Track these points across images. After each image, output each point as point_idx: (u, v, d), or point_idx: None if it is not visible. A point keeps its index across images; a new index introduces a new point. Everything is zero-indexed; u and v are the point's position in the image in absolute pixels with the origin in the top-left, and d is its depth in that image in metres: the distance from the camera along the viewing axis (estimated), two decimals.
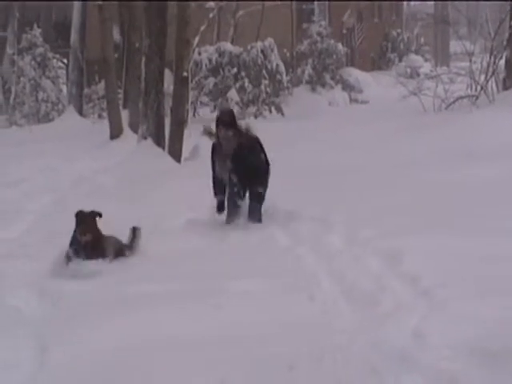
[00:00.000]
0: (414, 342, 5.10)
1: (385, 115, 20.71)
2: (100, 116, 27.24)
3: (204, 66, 25.68)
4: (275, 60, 26.34)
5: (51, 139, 21.11)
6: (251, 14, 29.00)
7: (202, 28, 26.94)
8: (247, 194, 9.49)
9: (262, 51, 26.12)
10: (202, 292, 6.61)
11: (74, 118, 25.49)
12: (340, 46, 31.59)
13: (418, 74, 33.20)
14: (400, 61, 41.86)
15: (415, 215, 8.64)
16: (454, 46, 41.70)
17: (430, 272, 6.38)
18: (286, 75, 27.34)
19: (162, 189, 12.18)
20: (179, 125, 16.50)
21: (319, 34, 30.95)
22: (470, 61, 21.42)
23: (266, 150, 9.49)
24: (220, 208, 9.52)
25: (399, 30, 45.15)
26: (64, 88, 29.92)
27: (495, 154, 12.60)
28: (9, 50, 30.73)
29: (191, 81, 22.59)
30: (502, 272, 6.32)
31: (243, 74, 25.84)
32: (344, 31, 38.04)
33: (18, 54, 28.88)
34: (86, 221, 7.73)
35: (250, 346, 5.40)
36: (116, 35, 25.83)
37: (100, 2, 20.50)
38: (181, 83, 16.72)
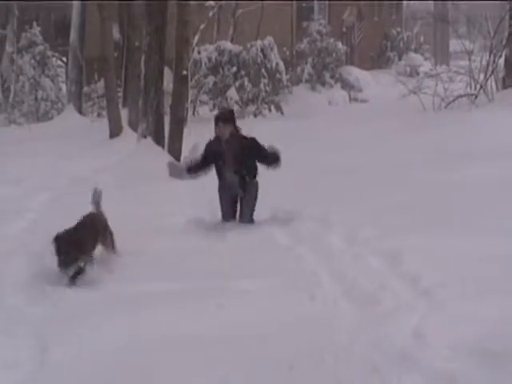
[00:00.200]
0: (414, 342, 5.13)
1: (384, 114, 20.69)
2: (99, 115, 27.20)
3: (203, 65, 25.65)
4: (275, 59, 26.32)
5: (51, 138, 21.07)
6: (251, 13, 28.98)
7: (202, 26, 26.92)
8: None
9: (262, 50, 26.10)
10: (203, 292, 6.60)
11: (74, 116, 25.44)
12: (340, 44, 31.59)
13: (418, 73, 33.18)
14: (400, 59, 41.84)
15: (414, 215, 8.66)
16: (454, 44, 41.61)
17: (430, 272, 6.40)
18: (286, 74, 27.31)
19: (162, 188, 12.17)
20: (179, 123, 16.48)
21: (319, 32, 30.94)
22: (470, 59, 21.39)
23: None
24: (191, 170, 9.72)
25: (399, 29, 45.14)
26: (63, 86, 29.88)
27: (494, 154, 12.59)
28: (8, 49, 30.67)
29: (191, 79, 22.59)
30: (501, 272, 6.34)
31: (243, 72, 25.82)
32: (344, 30, 38.00)
33: (18, 52, 28.87)
34: (67, 251, 7.16)
35: (250, 345, 5.41)
36: (116, 34, 25.80)
37: (99, 1, 20.51)
38: (180, 82, 16.70)
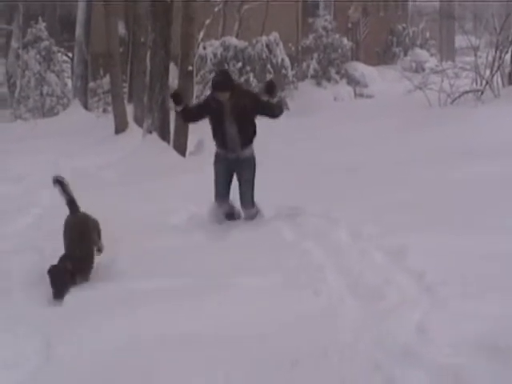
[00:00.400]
0: (418, 338, 5.16)
1: (388, 110, 20.68)
2: (105, 110, 27.21)
3: (209, 61, 25.66)
4: (280, 54, 26.29)
5: (56, 133, 21.13)
6: (256, 9, 28.92)
7: (207, 22, 26.90)
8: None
9: (267, 45, 26.08)
10: (203, 289, 6.60)
11: (79, 112, 25.43)
12: (345, 40, 31.51)
13: (424, 69, 33.08)
14: (405, 55, 41.72)
15: (415, 213, 8.63)
16: (460, 40, 41.51)
17: (432, 269, 6.40)
18: (291, 69, 27.30)
19: (166, 184, 12.20)
20: None
21: (324, 28, 30.87)
22: (476, 55, 21.37)
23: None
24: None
25: (404, 25, 45.00)
26: (69, 82, 29.90)
27: (496, 152, 12.56)
28: (14, 44, 30.73)
29: (196, 75, 22.58)
30: (502, 270, 6.35)
31: (248, 68, 25.81)
32: (349, 25, 37.91)
33: (23, 47, 28.89)
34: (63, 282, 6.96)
35: (251, 343, 5.41)
36: (121, 29, 25.82)
37: None
38: (186, 77, 16.74)
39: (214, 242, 8.50)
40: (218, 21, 28.88)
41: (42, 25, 28.40)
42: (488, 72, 20.57)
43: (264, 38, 26.28)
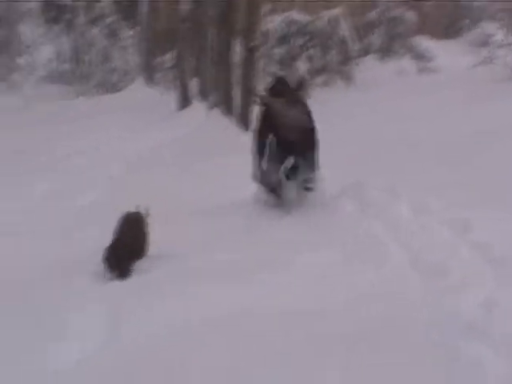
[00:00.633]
0: (483, 313, 5.06)
1: (453, 84, 20.40)
2: (168, 87, 27.34)
3: (272, 36, 25.59)
4: (343, 29, 26.12)
5: (120, 109, 21.32)
6: None
7: None
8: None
9: (331, 20, 25.92)
10: (265, 265, 6.58)
11: (143, 88, 25.62)
12: (409, 14, 31.16)
13: (490, 43, 32.56)
14: (472, 28, 41.07)
15: (480, 190, 8.36)
16: None
17: (500, 242, 6.25)
18: (355, 44, 27.11)
19: (228, 162, 12.21)
20: (248, 94, 16.57)
21: (388, 2, 30.59)
22: None
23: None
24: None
25: None
26: (133, 58, 30.05)
27: None
28: (79, 20, 30.97)
29: (258, 50, 22.55)
30: None
31: (311, 43, 25.68)
32: None
33: (89, 23, 29.06)
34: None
35: (312, 319, 5.38)
36: (186, 5, 25.87)
37: None
38: (250, 53, 16.77)
39: (271, 220, 8.49)
40: None
41: (106, 1, 28.57)
42: None
43: (328, 13, 26.11)
